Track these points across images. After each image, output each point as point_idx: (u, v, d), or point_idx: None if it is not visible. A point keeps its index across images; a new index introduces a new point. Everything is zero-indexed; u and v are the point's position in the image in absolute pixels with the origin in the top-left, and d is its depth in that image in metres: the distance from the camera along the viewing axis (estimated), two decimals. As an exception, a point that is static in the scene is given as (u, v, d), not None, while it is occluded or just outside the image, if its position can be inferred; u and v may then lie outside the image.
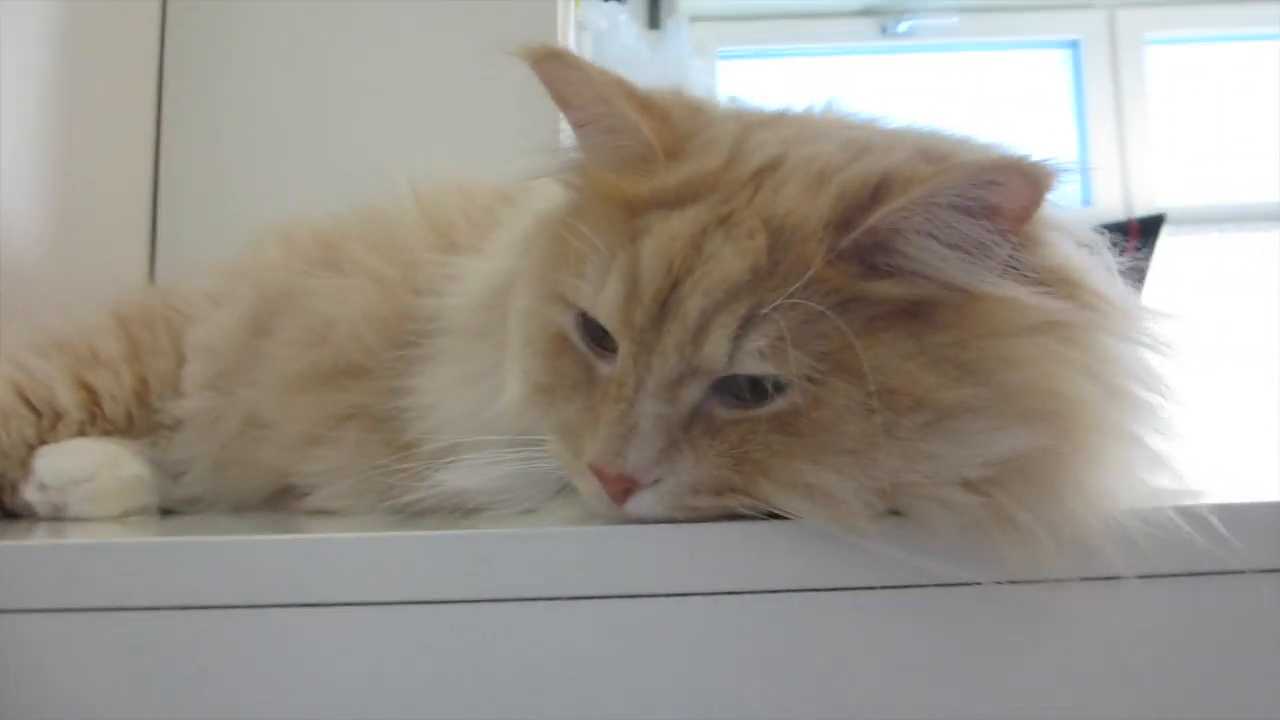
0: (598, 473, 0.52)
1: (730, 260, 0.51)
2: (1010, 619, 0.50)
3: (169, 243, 1.25)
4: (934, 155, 0.53)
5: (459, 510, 0.63)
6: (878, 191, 0.51)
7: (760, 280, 0.50)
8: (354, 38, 1.27)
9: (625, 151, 0.57)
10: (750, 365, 0.50)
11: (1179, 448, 0.54)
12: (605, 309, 0.54)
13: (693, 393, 0.52)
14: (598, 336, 0.56)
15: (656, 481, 0.52)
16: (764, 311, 0.50)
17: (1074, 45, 2.72)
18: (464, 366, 0.65)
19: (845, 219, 0.51)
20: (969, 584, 0.49)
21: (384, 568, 0.51)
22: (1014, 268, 0.50)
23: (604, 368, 0.55)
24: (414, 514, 0.67)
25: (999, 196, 0.48)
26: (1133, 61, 2.66)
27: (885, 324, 0.49)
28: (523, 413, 0.59)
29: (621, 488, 0.52)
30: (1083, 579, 0.48)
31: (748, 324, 0.50)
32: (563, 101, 0.58)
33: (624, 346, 0.53)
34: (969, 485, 0.49)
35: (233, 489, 0.82)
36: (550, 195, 0.64)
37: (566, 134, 0.61)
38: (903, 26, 2.62)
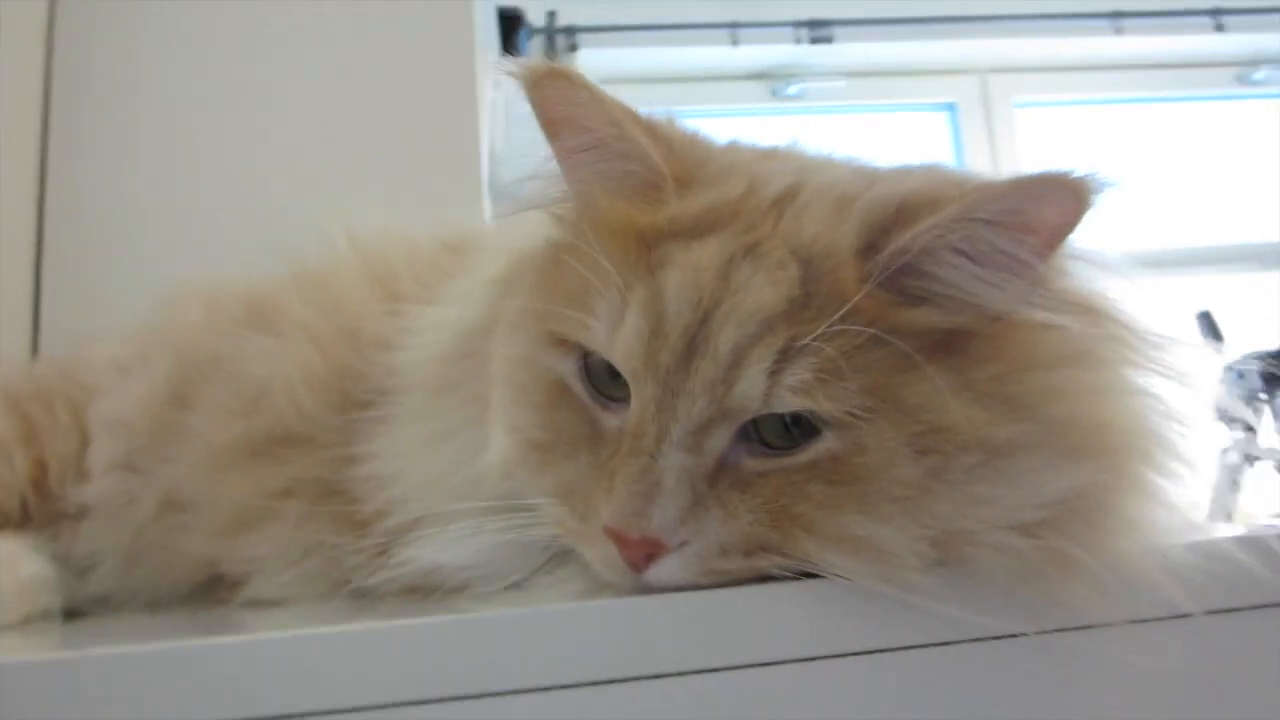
0: (616, 538, 0.46)
1: (763, 290, 0.47)
2: (1066, 666, 0.46)
3: (54, 310, 1.14)
4: (950, 182, 0.50)
5: (431, 591, 0.56)
6: (905, 213, 0.48)
7: (795, 311, 0.46)
8: (259, 93, 1.19)
9: (634, 179, 0.52)
10: (788, 403, 0.46)
11: (1196, 479, 0.52)
12: (624, 348, 0.48)
13: (718, 441, 0.47)
14: (602, 384, 0.51)
15: (683, 544, 0.46)
16: (801, 344, 0.45)
17: (951, 108, 2.85)
18: (431, 425, 0.58)
19: (874, 243, 0.48)
20: (1017, 635, 0.45)
21: (373, 666, 0.43)
22: (1045, 295, 0.48)
23: (610, 420, 0.50)
24: (373, 599, 0.60)
25: (1039, 211, 0.45)
26: (1005, 123, 2.80)
27: (924, 358, 0.46)
28: (511, 474, 0.53)
29: (643, 553, 0.46)
30: (1149, 619, 0.45)
31: (785, 358, 0.46)
32: (563, 124, 0.53)
33: (644, 391, 0.48)
34: (1025, 529, 0.45)
35: (150, 583, 0.73)
36: (526, 233, 0.59)
37: (547, 166, 0.56)
38: (793, 89, 2.69)
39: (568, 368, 0.52)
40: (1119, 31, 2.68)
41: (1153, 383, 0.50)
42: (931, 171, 0.54)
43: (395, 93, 1.19)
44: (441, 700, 0.43)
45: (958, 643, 0.45)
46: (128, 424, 0.75)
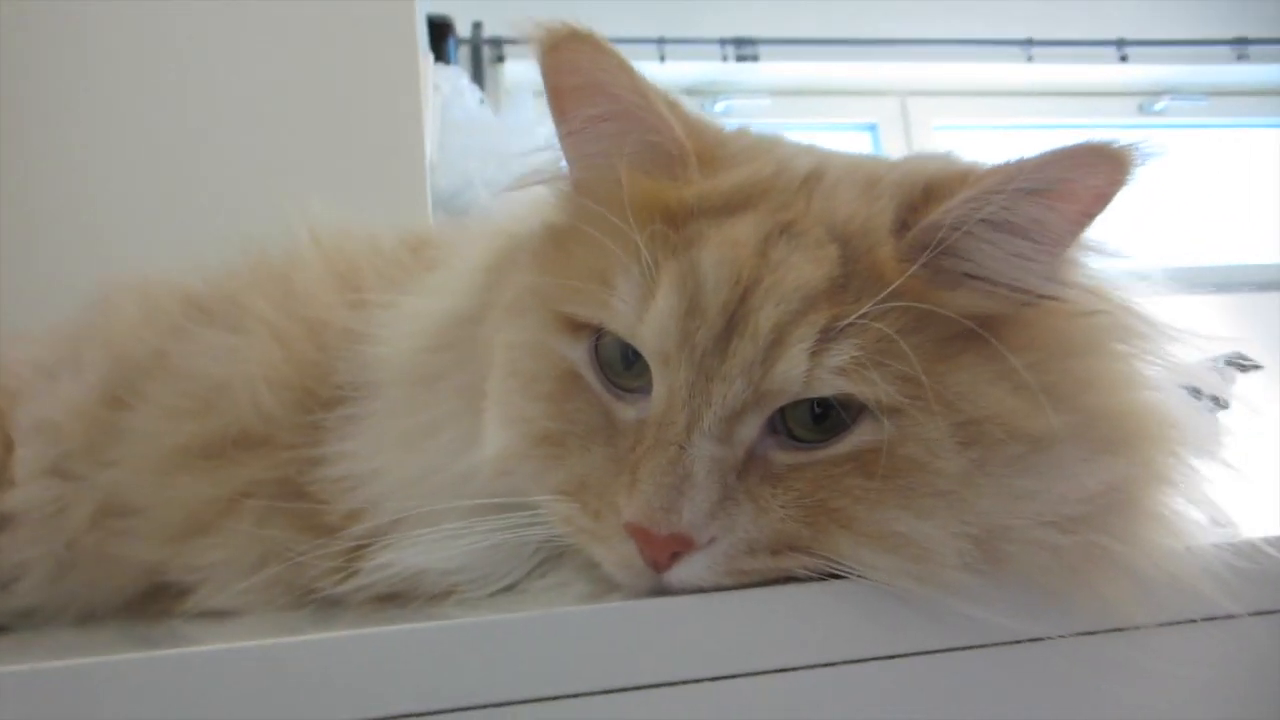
0: (640, 535, 0.43)
1: (804, 268, 0.45)
2: (1098, 670, 0.45)
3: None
4: (974, 165, 0.49)
5: (409, 598, 0.53)
6: (939, 188, 0.47)
7: (835, 292, 0.45)
8: (206, 90, 1.14)
9: (657, 153, 0.50)
10: (830, 386, 0.44)
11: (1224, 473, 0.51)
12: (655, 328, 0.45)
13: (748, 431, 0.45)
14: (613, 374, 0.48)
15: (711, 542, 0.44)
16: (844, 324, 0.44)
17: (873, 128, 2.91)
18: (411, 420, 0.55)
19: (910, 220, 0.46)
20: (1049, 639, 0.43)
21: (378, 674, 0.40)
22: (1077, 277, 0.47)
23: (625, 411, 0.47)
24: (340, 609, 0.57)
25: (1081, 179, 0.44)
26: (924, 143, 2.87)
27: (961, 345, 0.45)
28: (509, 470, 0.49)
29: (669, 552, 0.43)
30: (1183, 621, 0.44)
31: (826, 338, 0.44)
32: (582, 92, 0.50)
33: (675, 375, 0.45)
34: (1064, 524, 0.44)
35: (82, 594, 0.67)
36: (513, 219, 0.56)
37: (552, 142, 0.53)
38: (719, 106, 2.71)
39: (579, 354, 0.49)
40: (1030, 59, 2.78)
41: (1174, 373, 0.49)
42: (949, 157, 0.53)
43: (341, 95, 1.16)
44: (444, 712, 0.41)
45: (985, 646, 0.44)
46: (58, 427, 0.70)
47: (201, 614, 0.62)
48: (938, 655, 0.44)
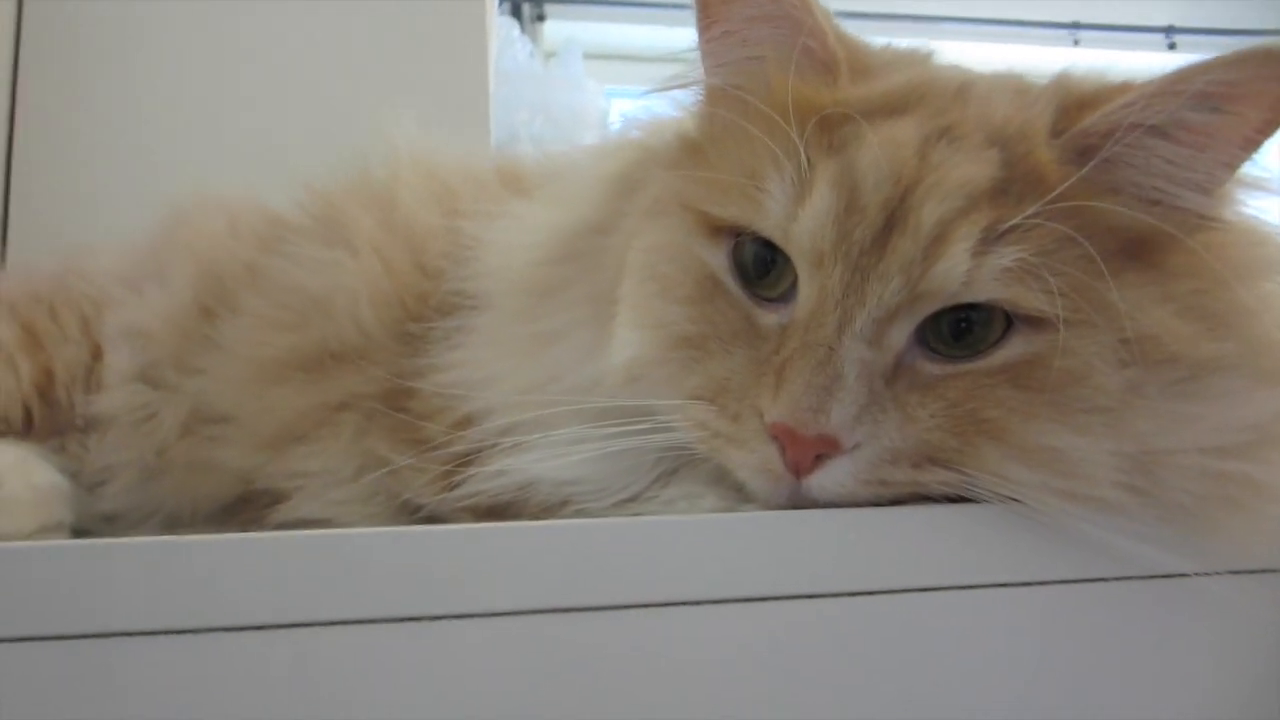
0: (786, 435, 0.43)
1: (966, 167, 0.44)
2: (1230, 610, 0.44)
3: (22, 226, 1.06)
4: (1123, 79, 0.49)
5: (517, 512, 0.53)
6: (1097, 94, 0.46)
7: (997, 195, 0.44)
8: (265, 42, 1.14)
9: (810, 57, 0.49)
10: (988, 290, 0.43)
11: None
12: (811, 225, 0.44)
13: (899, 336, 0.44)
14: (751, 281, 0.47)
15: (855, 447, 0.43)
16: (1007, 226, 0.43)
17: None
18: (533, 327, 0.54)
19: (1068, 126, 0.45)
20: (1188, 575, 0.42)
21: (519, 568, 0.41)
22: (1245, 198, 0.46)
23: (767, 316, 0.47)
24: (432, 521, 0.57)
25: (1261, 84, 0.42)
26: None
27: (1124, 263, 0.44)
28: (641, 375, 0.49)
29: (813, 454, 0.43)
30: None
31: (988, 240, 0.43)
32: None
33: (830, 275, 0.44)
34: (1222, 452, 0.43)
35: (169, 501, 0.68)
36: (650, 129, 0.56)
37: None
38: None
39: (718, 259, 0.48)
40: (1076, 43, 2.75)
41: None
42: (1104, 73, 0.51)
43: (406, 39, 1.15)
44: (579, 610, 0.41)
45: (1124, 580, 0.43)
46: (148, 334, 0.70)
47: (294, 523, 0.62)
48: (1075, 585, 0.43)
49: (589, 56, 2.58)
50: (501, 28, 1.71)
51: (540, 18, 2.69)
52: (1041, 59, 2.80)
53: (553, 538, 0.41)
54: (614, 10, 2.65)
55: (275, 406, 0.63)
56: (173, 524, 0.68)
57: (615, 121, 2.08)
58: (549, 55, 2.36)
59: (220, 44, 1.14)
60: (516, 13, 2.67)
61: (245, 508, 0.65)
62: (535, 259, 0.56)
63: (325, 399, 0.62)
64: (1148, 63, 2.76)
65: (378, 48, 1.15)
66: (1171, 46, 2.77)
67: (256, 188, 0.79)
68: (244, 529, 0.65)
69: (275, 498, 0.63)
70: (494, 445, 0.53)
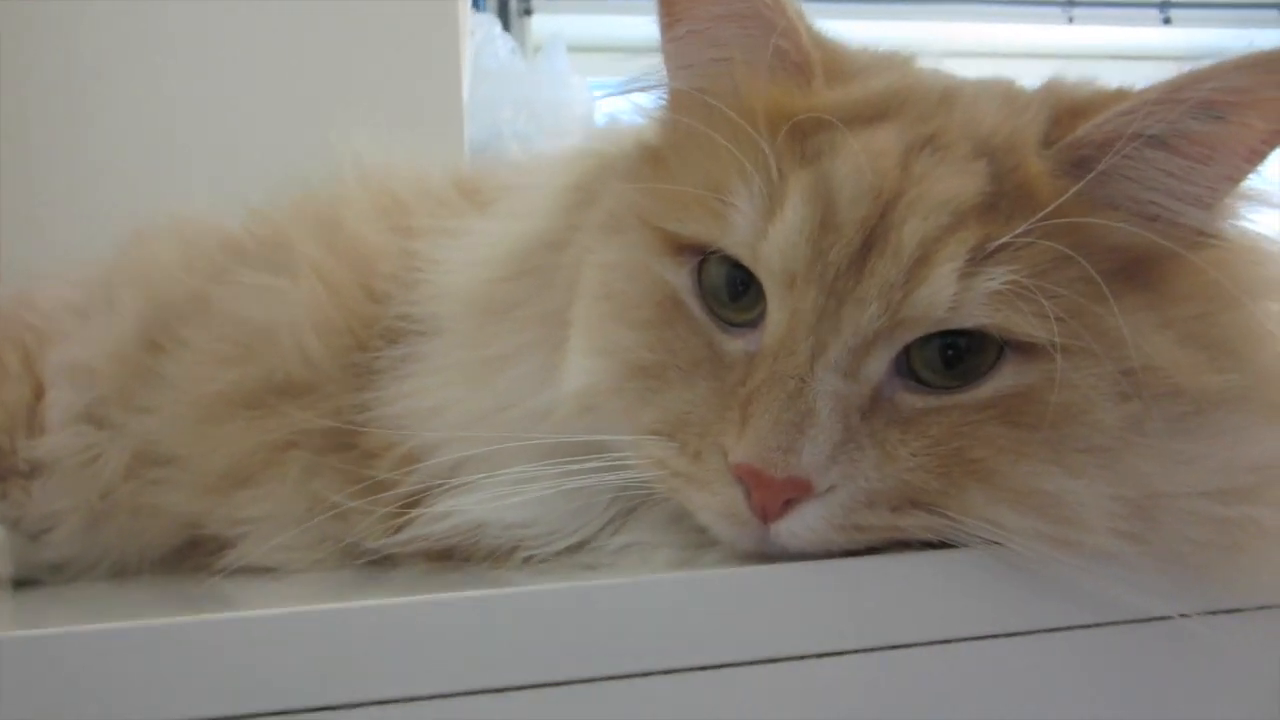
0: (752, 477, 0.39)
1: (952, 180, 0.40)
2: (1235, 653, 0.41)
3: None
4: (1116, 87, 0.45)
5: (466, 555, 0.50)
6: (1095, 101, 0.42)
7: (986, 210, 0.40)
8: (236, 36, 1.11)
9: (781, 59, 0.45)
10: (977, 316, 0.39)
11: None
12: (781, 243, 0.40)
13: (877, 366, 0.41)
14: (716, 304, 0.43)
15: (830, 489, 0.39)
16: (994, 246, 0.39)
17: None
18: (481, 351, 0.50)
19: (1060, 136, 0.42)
20: (1182, 617, 0.39)
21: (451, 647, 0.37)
22: (1247, 214, 0.43)
23: (732, 344, 0.43)
24: (388, 567, 0.54)
25: (1263, 94, 0.39)
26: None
27: (1122, 285, 0.40)
28: (594, 406, 0.45)
29: (783, 498, 0.39)
30: None
31: (976, 260, 0.39)
32: None
33: (803, 299, 0.40)
34: (1226, 495, 0.40)
35: (115, 548, 0.64)
36: (607, 138, 0.53)
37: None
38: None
39: (681, 279, 0.44)
40: (1071, 20, 2.71)
41: None
42: (1094, 81, 0.48)
43: (377, 37, 1.12)
44: (524, 688, 0.37)
45: (1114, 625, 0.40)
46: (92, 371, 0.66)
47: (241, 570, 0.59)
48: (1061, 633, 0.40)
49: (579, 50, 2.55)
50: (482, 25, 1.68)
51: (528, 11, 2.65)
52: (1035, 38, 2.76)
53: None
54: (603, 2, 2.61)
55: (220, 447, 0.59)
56: (119, 571, 0.65)
57: (601, 118, 2.04)
58: (537, 49, 2.32)
59: (199, 46, 1.11)
60: (503, 8, 2.64)
61: (193, 553, 0.62)
62: (486, 276, 0.52)
63: (271, 437, 0.58)
64: (1143, 39, 2.73)
65: (348, 49, 1.11)
66: (1167, 21, 2.72)
67: (227, 193, 0.75)
68: (193, 575, 0.62)
69: (222, 544, 0.59)
70: (440, 485, 0.49)
